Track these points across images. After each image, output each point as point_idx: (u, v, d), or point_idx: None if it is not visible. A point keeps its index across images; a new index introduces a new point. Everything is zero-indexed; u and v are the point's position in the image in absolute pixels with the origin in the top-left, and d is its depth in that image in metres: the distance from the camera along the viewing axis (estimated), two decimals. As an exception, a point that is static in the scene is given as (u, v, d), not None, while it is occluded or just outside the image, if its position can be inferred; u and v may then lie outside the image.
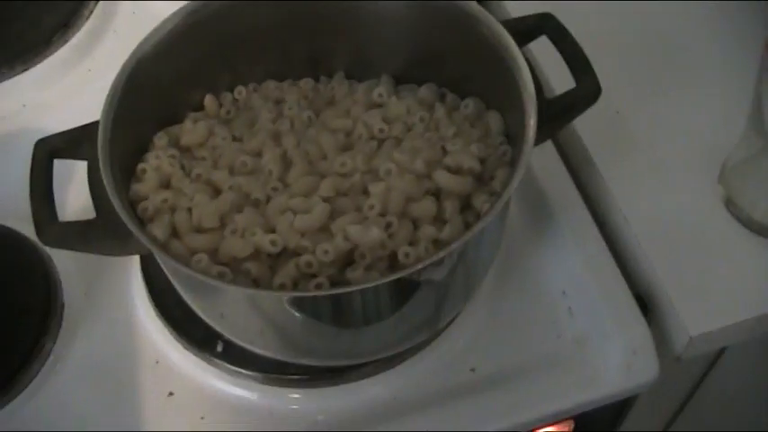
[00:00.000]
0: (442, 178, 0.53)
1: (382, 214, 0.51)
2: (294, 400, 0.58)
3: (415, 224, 0.52)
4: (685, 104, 0.68)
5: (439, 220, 0.53)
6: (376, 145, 0.57)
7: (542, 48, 0.58)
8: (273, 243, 0.50)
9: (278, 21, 0.60)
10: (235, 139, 0.58)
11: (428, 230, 0.52)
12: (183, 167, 0.56)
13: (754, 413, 0.86)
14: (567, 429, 0.63)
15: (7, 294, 0.61)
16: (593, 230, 0.63)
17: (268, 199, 0.53)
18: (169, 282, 0.57)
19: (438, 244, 0.51)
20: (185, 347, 0.60)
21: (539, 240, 0.63)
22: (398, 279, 0.47)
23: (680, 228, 0.62)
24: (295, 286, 0.50)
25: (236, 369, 0.58)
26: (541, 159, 0.66)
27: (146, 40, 0.56)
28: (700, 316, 0.59)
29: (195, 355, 0.59)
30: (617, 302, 0.60)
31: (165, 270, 0.55)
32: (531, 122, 0.51)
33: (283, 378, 0.58)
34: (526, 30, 0.58)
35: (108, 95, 0.54)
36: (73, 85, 0.73)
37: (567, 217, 0.63)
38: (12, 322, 0.60)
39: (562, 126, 0.57)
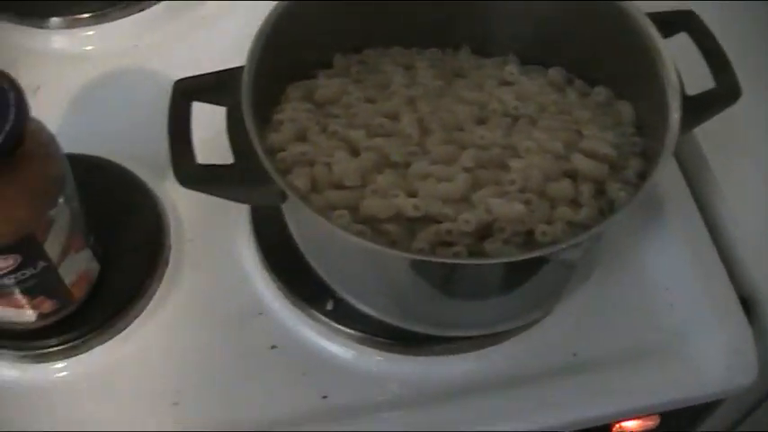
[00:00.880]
0: (581, 162, 0.54)
1: (522, 191, 0.52)
2: (396, 365, 0.59)
3: (551, 204, 0.52)
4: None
5: (574, 202, 0.53)
6: (510, 121, 0.57)
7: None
8: (416, 207, 0.51)
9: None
10: (366, 100, 0.58)
11: (565, 211, 0.52)
12: (317, 122, 0.56)
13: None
14: (651, 423, 0.63)
15: (119, 232, 0.61)
16: (703, 230, 0.63)
17: (406, 163, 0.53)
18: (281, 236, 0.58)
19: (572, 226, 0.52)
20: (293, 303, 0.60)
21: (646, 234, 0.64)
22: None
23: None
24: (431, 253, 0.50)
25: (344, 329, 0.58)
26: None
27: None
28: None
29: (302, 310, 0.59)
30: (720, 302, 0.61)
31: (291, 223, 0.55)
32: (676, 116, 0.52)
33: (386, 342, 0.58)
34: (667, 24, 0.58)
35: (253, 42, 0.54)
36: (185, 30, 0.73)
37: (676, 214, 0.64)
38: (121, 259, 0.60)
39: (697, 124, 0.57)
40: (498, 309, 0.56)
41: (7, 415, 0.57)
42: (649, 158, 0.55)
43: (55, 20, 0.72)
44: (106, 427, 0.56)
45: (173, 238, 0.62)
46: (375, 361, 0.59)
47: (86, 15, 0.72)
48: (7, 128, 0.47)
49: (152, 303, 0.60)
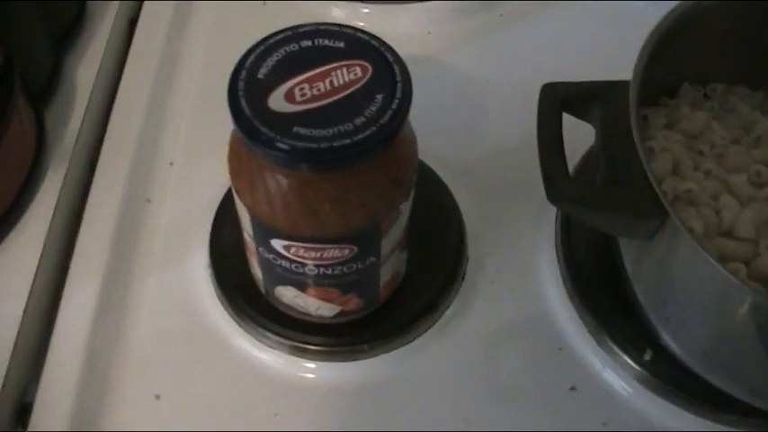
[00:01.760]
0: None
1: None
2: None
3: None
4: None
5: None
6: None
7: None
8: (820, 273, 0.45)
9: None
10: (732, 140, 0.53)
11: None
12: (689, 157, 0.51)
13: None
14: None
15: (422, 237, 0.55)
16: None
17: (794, 221, 0.48)
18: (595, 265, 0.53)
19: None
20: (599, 342, 0.54)
21: None
22: None
23: None
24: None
25: (662, 384, 0.53)
26: None
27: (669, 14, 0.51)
28: None
29: (608, 353, 0.54)
30: None
31: (635, 257, 0.50)
32: None
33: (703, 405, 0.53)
34: None
35: (641, 53, 0.48)
36: (480, 25, 0.68)
37: None
38: (420, 266, 0.55)
39: None
40: None
41: (267, 407, 0.53)
42: None
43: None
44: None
45: (469, 250, 0.57)
46: (688, 421, 0.53)
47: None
48: (394, 106, 0.42)
49: (445, 315, 0.55)
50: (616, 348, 0.54)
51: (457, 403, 0.53)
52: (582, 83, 0.50)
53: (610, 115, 0.48)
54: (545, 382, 0.54)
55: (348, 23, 0.44)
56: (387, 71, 0.42)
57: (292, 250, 0.46)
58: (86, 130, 0.62)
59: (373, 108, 0.41)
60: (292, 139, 0.40)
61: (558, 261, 0.57)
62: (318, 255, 0.46)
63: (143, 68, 0.65)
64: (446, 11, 0.68)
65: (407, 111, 0.42)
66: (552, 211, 0.58)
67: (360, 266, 0.48)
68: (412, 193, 0.47)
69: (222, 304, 0.55)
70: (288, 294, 0.51)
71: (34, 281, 0.54)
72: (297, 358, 0.54)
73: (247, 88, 0.41)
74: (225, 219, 0.57)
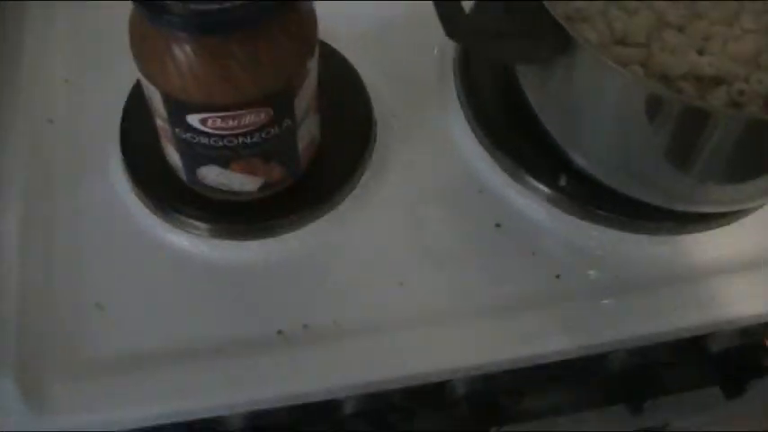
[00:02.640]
0: None
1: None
2: (623, 243, 0.56)
3: None
4: None
5: None
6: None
7: None
8: (710, 65, 0.48)
9: None
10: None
11: None
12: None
13: None
14: None
15: (333, 106, 0.56)
16: None
17: (680, 26, 0.51)
18: (495, 105, 0.55)
19: None
20: (515, 179, 0.56)
21: None
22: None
23: None
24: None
25: (578, 206, 0.55)
26: None
27: None
28: None
29: (526, 186, 0.56)
30: None
31: (536, 84, 0.52)
32: None
33: (620, 220, 0.56)
34: None
35: None
36: None
37: None
38: (330, 133, 0.56)
39: None
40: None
41: (208, 294, 0.53)
42: None
43: None
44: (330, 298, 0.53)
45: (376, 113, 0.58)
46: (611, 236, 0.56)
47: None
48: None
49: (363, 179, 0.56)
50: (532, 180, 0.56)
51: (394, 259, 0.54)
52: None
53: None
54: (470, 226, 0.56)
55: None
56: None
57: (209, 122, 0.46)
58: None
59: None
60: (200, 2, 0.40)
61: (463, 108, 0.58)
62: (236, 123, 0.46)
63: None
64: None
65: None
66: (449, 61, 0.60)
67: (277, 130, 0.48)
68: (317, 50, 0.48)
69: (143, 202, 0.55)
70: (210, 174, 0.51)
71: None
72: (228, 241, 0.54)
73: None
74: (133, 121, 0.56)
